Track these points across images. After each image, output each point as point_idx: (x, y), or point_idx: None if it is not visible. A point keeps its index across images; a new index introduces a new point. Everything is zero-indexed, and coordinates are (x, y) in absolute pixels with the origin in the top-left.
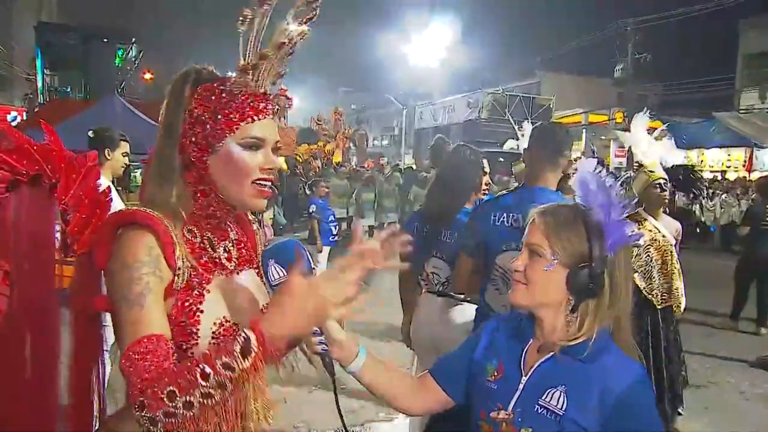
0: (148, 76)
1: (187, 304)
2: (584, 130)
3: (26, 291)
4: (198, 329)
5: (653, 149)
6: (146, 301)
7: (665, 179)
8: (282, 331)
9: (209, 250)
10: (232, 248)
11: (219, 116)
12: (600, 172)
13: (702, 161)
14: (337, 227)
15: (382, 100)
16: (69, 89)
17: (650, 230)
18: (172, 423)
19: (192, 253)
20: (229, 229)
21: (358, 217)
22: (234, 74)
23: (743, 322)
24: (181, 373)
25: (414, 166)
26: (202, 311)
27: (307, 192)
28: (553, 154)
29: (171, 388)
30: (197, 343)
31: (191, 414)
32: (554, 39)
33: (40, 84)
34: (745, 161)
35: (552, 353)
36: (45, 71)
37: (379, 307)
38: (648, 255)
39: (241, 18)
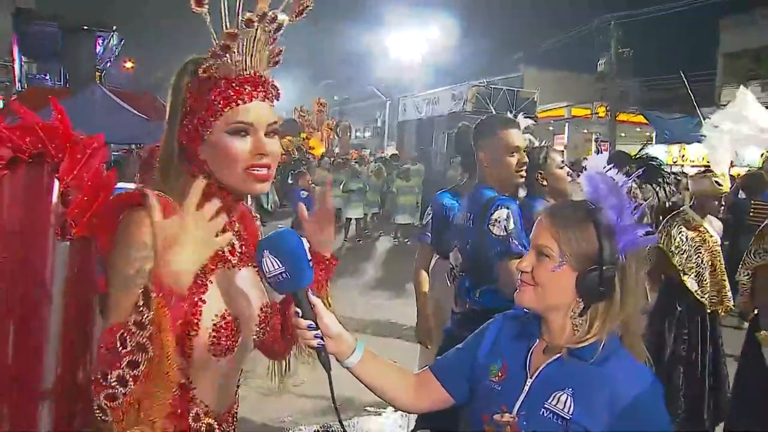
0: (128, 65)
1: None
2: (567, 124)
3: (17, 273)
4: (199, 320)
5: (727, 156)
6: (133, 285)
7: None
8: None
9: None
10: (236, 242)
11: (205, 103)
12: (609, 170)
13: (683, 156)
14: None
15: (365, 93)
16: (48, 77)
17: (701, 231)
18: (115, 408)
19: None
20: (234, 222)
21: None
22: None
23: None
24: (104, 349)
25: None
26: (204, 302)
27: (290, 182)
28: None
29: (101, 367)
30: (197, 334)
31: (128, 391)
32: (538, 34)
33: (17, 72)
34: None
35: (559, 355)
36: (22, 59)
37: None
38: (699, 256)
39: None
